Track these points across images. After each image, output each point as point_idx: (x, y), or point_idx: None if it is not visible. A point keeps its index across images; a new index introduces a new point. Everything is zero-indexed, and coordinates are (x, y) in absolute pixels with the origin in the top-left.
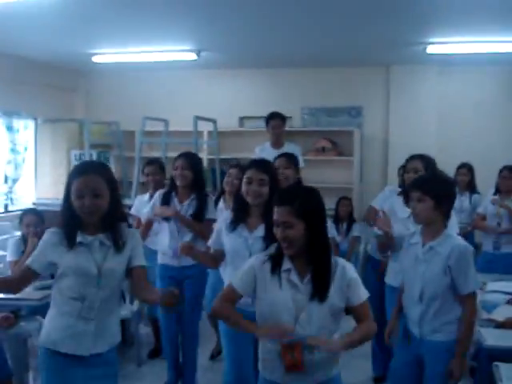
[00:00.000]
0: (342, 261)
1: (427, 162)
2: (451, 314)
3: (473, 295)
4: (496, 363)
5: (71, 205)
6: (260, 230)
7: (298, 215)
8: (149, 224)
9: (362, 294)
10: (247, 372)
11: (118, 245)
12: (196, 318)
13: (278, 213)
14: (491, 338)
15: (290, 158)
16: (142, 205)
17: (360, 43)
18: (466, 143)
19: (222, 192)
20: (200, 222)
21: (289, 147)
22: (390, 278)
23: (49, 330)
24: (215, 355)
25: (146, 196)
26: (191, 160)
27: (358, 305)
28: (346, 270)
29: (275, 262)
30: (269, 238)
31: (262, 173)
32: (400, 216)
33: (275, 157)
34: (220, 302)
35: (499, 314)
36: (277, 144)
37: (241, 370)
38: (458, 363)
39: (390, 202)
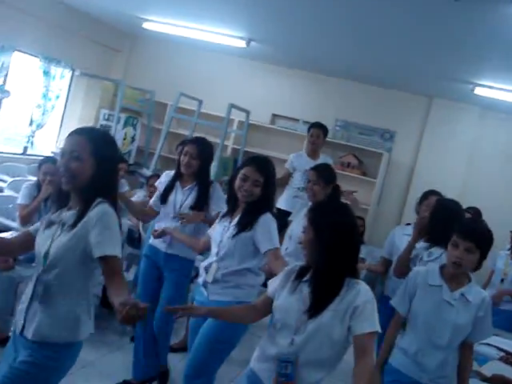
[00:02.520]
0: (361, 286)
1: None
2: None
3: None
4: None
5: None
6: (236, 218)
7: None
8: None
9: (367, 324)
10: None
11: (76, 223)
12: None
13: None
14: None
15: (321, 174)
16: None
17: (408, 69)
18: (492, 192)
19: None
20: (200, 211)
21: (324, 160)
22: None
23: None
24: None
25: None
26: (201, 148)
27: (358, 334)
28: (358, 296)
29: (300, 272)
30: (240, 224)
31: (259, 173)
32: None
33: (310, 168)
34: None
35: (489, 369)
36: (313, 154)
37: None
38: None
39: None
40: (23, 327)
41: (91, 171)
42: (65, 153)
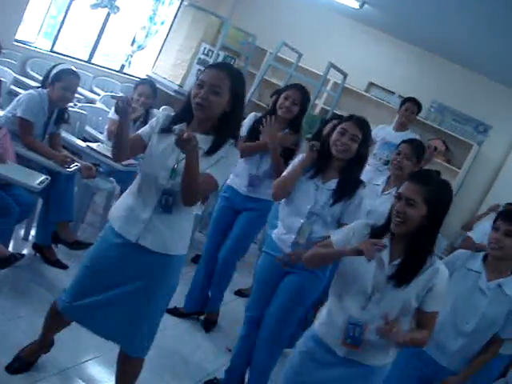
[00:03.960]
0: (440, 265)
1: None
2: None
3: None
4: None
5: (190, 94)
6: (333, 183)
7: (424, 199)
8: None
9: (437, 304)
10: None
11: (211, 151)
12: (240, 250)
13: (406, 188)
14: None
15: (416, 150)
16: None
17: None
18: None
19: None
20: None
21: (412, 135)
22: None
23: (116, 204)
24: (244, 294)
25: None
26: (304, 96)
27: (427, 312)
28: (437, 275)
29: (375, 235)
30: (337, 194)
31: (358, 129)
32: None
33: (404, 140)
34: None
35: None
36: (401, 127)
37: (260, 311)
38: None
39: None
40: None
41: (225, 106)
42: (204, 84)
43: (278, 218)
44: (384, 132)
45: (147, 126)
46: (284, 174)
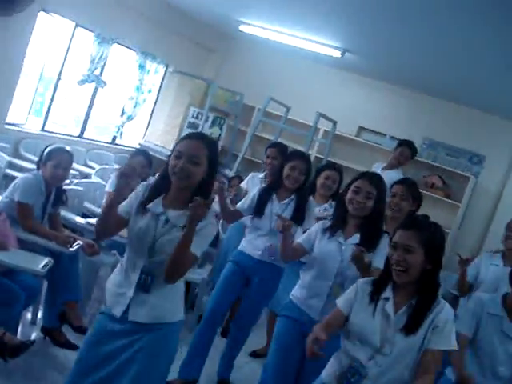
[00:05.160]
0: (444, 303)
1: None
2: None
3: None
4: None
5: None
6: (355, 238)
7: (420, 242)
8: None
9: (442, 342)
10: None
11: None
12: (255, 317)
13: (401, 236)
14: None
15: (411, 189)
16: (254, 182)
17: (503, 92)
18: None
19: (313, 191)
20: (299, 225)
21: (397, 173)
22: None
23: (109, 278)
24: (259, 354)
25: (261, 175)
26: (309, 165)
27: (431, 350)
28: (442, 313)
29: (377, 289)
30: (363, 245)
31: (371, 186)
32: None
33: (398, 180)
34: (322, 325)
35: None
36: (390, 168)
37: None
38: None
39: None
40: (125, 311)
41: (203, 175)
42: (182, 155)
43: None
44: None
45: (127, 201)
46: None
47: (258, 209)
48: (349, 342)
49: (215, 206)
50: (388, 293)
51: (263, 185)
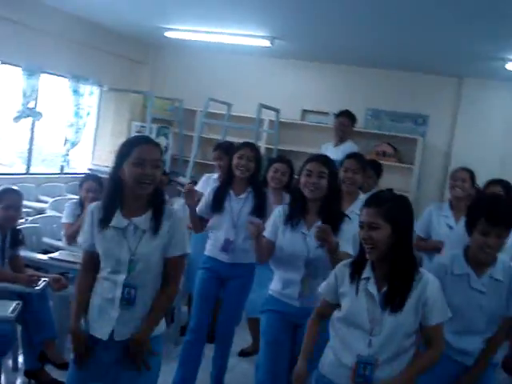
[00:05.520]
0: (428, 276)
1: (507, 188)
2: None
3: None
4: None
5: (120, 176)
6: (317, 225)
7: (385, 218)
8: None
9: (438, 315)
10: (280, 383)
11: (158, 227)
12: (235, 320)
13: (365, 214)
14: None
15: (361, 162)
16: (209, 183)
17: (436, 51)
18: None
19: (265, 184)
20: (259, 217)
21: (350, 146)
22: None
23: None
24: (248, 353)
25: (215, 175)
26: (256, 152)
27: (429, 326)
28: (428, 286)
29: (356, 269)
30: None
31: (322, 165)
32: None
33: (346, 155)
34: (312, 319)
35: None
36: (339, 141)
37: (275, 381)
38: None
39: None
40: (111, 332)
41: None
42: (146, 162)
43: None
44: (327, 151)
45: (85, 226)
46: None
47: (216, 206)
48: (338, 338)
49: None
50: (368, 272)
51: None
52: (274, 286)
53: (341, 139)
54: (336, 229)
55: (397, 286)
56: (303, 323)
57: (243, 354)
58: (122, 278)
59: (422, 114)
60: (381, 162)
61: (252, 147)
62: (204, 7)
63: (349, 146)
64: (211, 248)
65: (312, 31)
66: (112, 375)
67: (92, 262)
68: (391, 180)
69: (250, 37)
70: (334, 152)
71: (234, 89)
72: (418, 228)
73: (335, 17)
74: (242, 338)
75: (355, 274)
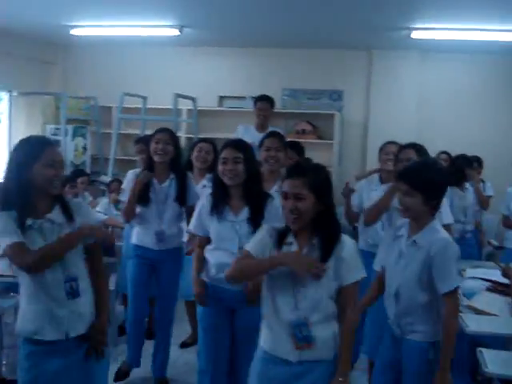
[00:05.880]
0: (344, 237)
1: (420, 151)
2: (427, 315)
3: (452, 295)
4: (480, 349)
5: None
6: (244, 213)
7: (309, 188)
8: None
9: (354, 273)
10: (223, 368)
11: (71, 218)
12: (172, 303)
13: (289, 185)
14: (473, 324)
15: (282, 140)
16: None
17: (343, 26)
18: (446, 130)
19: (190, 168)
20: (183, 203)
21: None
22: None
23: (23, 317)
24: (189, 343)
25: (139, 170)
26: (173, 135)
27: (344, 286)
28: (344, 246)
29: (280, 236)
30: (254, 221)
31: (236, 151)
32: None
33: (265, 135)
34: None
35: (478, 302)
36: (262, 127)
37: (217, 366)
38: (439, 376)
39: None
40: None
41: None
42: (56, 163)
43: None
44: (249, 133)
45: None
46: None
47: (142, 197)
48: (270, 310)
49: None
50: (290, 238)
51: None
52: (209, 272)
53: (262, 125)
54: (261, 210)
55: (322, 248)
56: (241, 307)
57: (184, 345)
58: (59, 276)
59: (336, 90)
60: (301, 140)
61: (167, 131)
62: (107, 1)
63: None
64: (141, 238)
65: (220, 17)
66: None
67: None
68: (313, 157)
69: (157, 27)
70: (260, 137)
71: (148, 81)
72: (353, 203)
73: (240, 1)
74: (182, 330)
75: (280, 240)
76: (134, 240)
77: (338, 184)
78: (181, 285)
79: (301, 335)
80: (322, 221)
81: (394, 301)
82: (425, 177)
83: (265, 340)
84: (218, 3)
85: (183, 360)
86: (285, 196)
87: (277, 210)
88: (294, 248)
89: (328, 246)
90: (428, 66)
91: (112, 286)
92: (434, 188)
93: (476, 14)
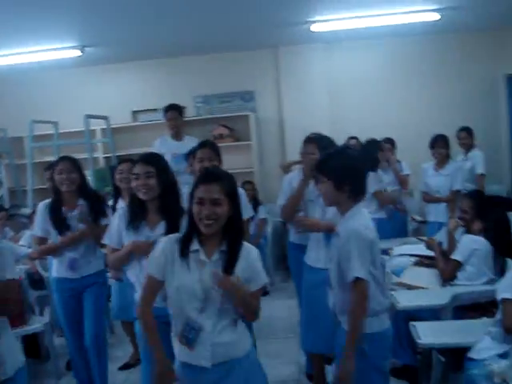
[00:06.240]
0: (246, 244)
1: (320, 142)
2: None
3: (355, 284)
4: (412, 323)
5: None
6: (161, 228)
7: (225, 193)
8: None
9: (258, 281)
10: None
11: None
12: (101, 329)
13: (205, 190)
14: (404, 300)
15: (215, 148)
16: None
17: (246, 26)
18: (359, 116)
19: (118, 191)
20: (96, 222)
21: (189, 140)
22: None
23: None
24: (132, 364)
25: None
26: (75, 162)
27: (253, 292)
28: (250, 253)
29: (184, 244)
30: (169, 229)
31: (148, 165)
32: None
33: (197, 146)
34: (143, 302)
35: (407, 277)
36: (177, 136)
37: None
38: (343, 361)
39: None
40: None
41: None
42: None
43: None
44: (166, 144)
45: None
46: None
47: (57, 225)
48: (175, 302)
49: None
50: (196, 245)
51: None
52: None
53: (177, 134)
54: (177, 224)
55: (231, 253)
56: None
57: (127, 366)
58: None
59: (248, 91)
60: (219, 144)
61: (69, 159)
62: (5, 30)
63: (191, 141)
64: (58, 269)
65: (120, 32)
66: None
67: None
68: (233, 160)
69: (59, 50)
70: (177, 147)
71: (57, 106)
72: (283, 199)
73: (139, 15)
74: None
75: (185, 248)
76: (53, 273)
77: (262, 184)
78: (116, 305)
79: (186, 335)
80: (231, 226)
81: (331, 292)
82: (331, 163)
83: (179, 352)
84: (116, 19)
85: (130, 382)
86: (200, 202)
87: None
88: (202, 255)
89: (236, 250)
90: (333, 56)
91: (47, 318)
92: (342, 173)
93: (368, 1)
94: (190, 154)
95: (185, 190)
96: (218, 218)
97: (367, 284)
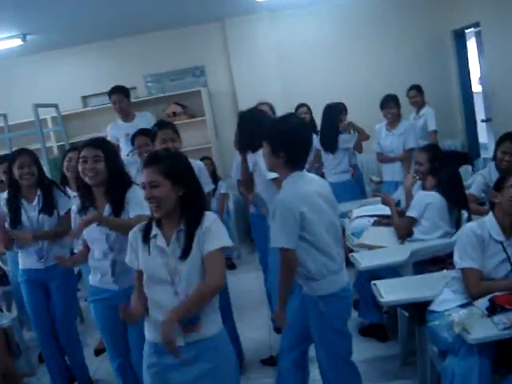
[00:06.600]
0: (207, 213)
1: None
2: (305, 272)
3: (281, 251)
4: (373, 282)
5: None
6: (107, 210)
7: (163, 174)
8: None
9: (214, 242)
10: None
11: None
12: (72, 318)
13: (145, 175)
14: (364, 260)
15: (174, 128)
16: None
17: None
18: (309, 83)
19: (65, 179)
20: (51, 215)
21: (141, 117)
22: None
23: None
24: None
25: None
26: (32, 154)
27: (206, 254)
28: (204, 220)
29: (145, 230)
30: (116, 213)
31: (95, 149)
32: None
33: (155, 127)
34: (136, 294)
35: (367, 238)
36: (126, 117)
37: (124, 352)
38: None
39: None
40: None
41: None
42: None
43: None
44: (118, 128)
45: None
46: None
47: (14, 220)
48: (148, 290)
49: None
50: (155, 230)
51: None
52: (93, 276)
53: (126, 114)
54: (121, 203)
55: (188, 232)
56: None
57: (99, 352)
58: None
59: (198, 66)
60: (174, 122)
61: (26, 152)
62: None
63: (144, 118)
64: (23, 260)
65: (61, 17)
66: None
67: None
68: (189, 138)
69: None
70: (127, 127)
71: (4, 98)
72: (238, 174)
73: None
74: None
75: (146, 234)
76: (20, 265)
77: (220, 159)
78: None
79: (186, 319)
80: (187, 205)
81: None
82: (269, 130)
83: (149, 331)
84: (55, 4)
85: (104, 367)
86: (144, 186)
87: (137, 198)
88: (160, 241)
89: (193, 227)
90: (280, 24)
91: (14, 314)
92: (277, 139)
93: None
94: (136, 136)
95: None
96: (160, 201)
97: (291, 252)
